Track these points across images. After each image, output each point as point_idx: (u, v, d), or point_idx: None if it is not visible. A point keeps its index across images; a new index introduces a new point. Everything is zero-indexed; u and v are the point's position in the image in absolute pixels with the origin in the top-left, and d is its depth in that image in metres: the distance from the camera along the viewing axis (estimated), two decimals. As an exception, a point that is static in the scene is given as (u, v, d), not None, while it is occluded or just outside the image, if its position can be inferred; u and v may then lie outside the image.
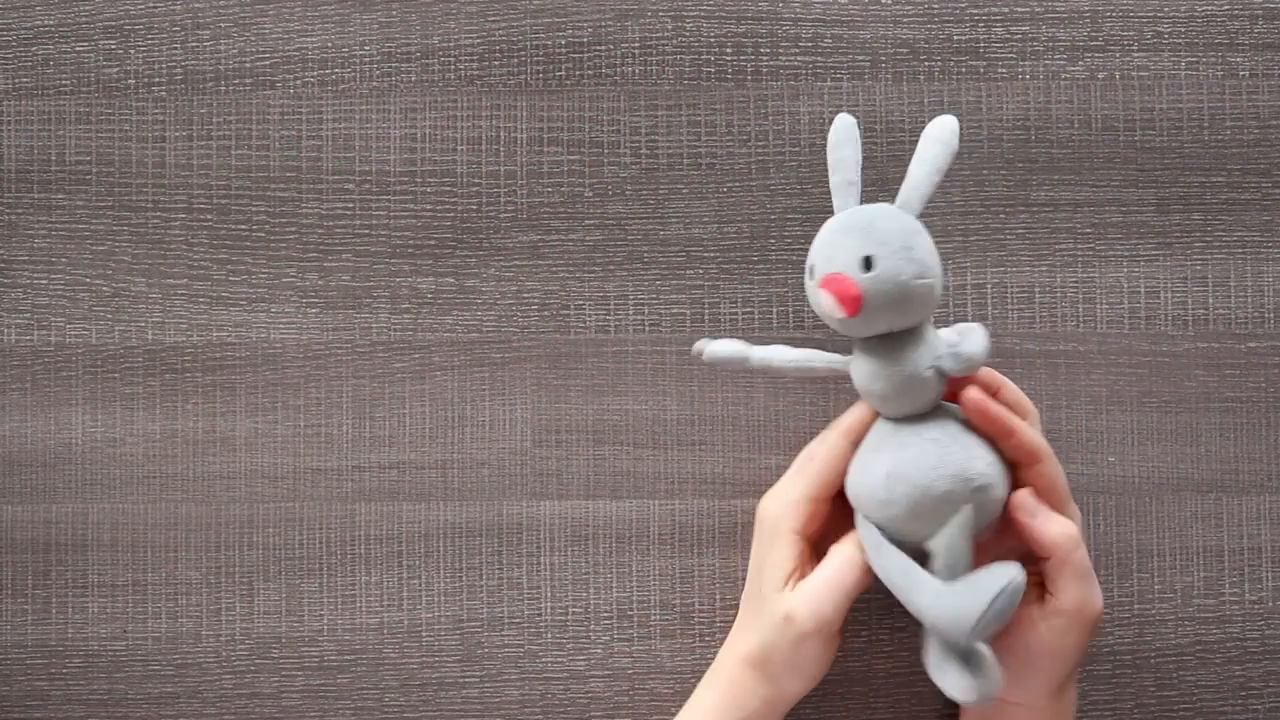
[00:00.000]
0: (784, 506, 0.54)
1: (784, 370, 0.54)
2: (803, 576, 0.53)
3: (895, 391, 0.51)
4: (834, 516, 0.56)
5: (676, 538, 0.61)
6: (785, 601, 0.53)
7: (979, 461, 0.51)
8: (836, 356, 0.54)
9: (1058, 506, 0.53)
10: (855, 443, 0.54)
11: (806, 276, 0.52)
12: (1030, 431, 0.52)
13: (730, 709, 0.54)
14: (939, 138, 0.52)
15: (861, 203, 0.53)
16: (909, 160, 0.58)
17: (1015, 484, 0.53)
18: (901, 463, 0.51)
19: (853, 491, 0.53)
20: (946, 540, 0.50)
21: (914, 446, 0.51)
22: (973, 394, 0.52)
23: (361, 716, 0.60)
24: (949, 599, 0.49)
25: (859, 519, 0.53)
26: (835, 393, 0.60)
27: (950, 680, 0.50)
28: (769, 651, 0.53)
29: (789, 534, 0.54)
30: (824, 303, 0.50)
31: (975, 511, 0.51)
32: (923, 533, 0.51)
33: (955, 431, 0.52)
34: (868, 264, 0.50)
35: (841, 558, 0.53)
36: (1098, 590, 0.52)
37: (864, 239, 0.50)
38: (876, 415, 0.54)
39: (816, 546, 0.55)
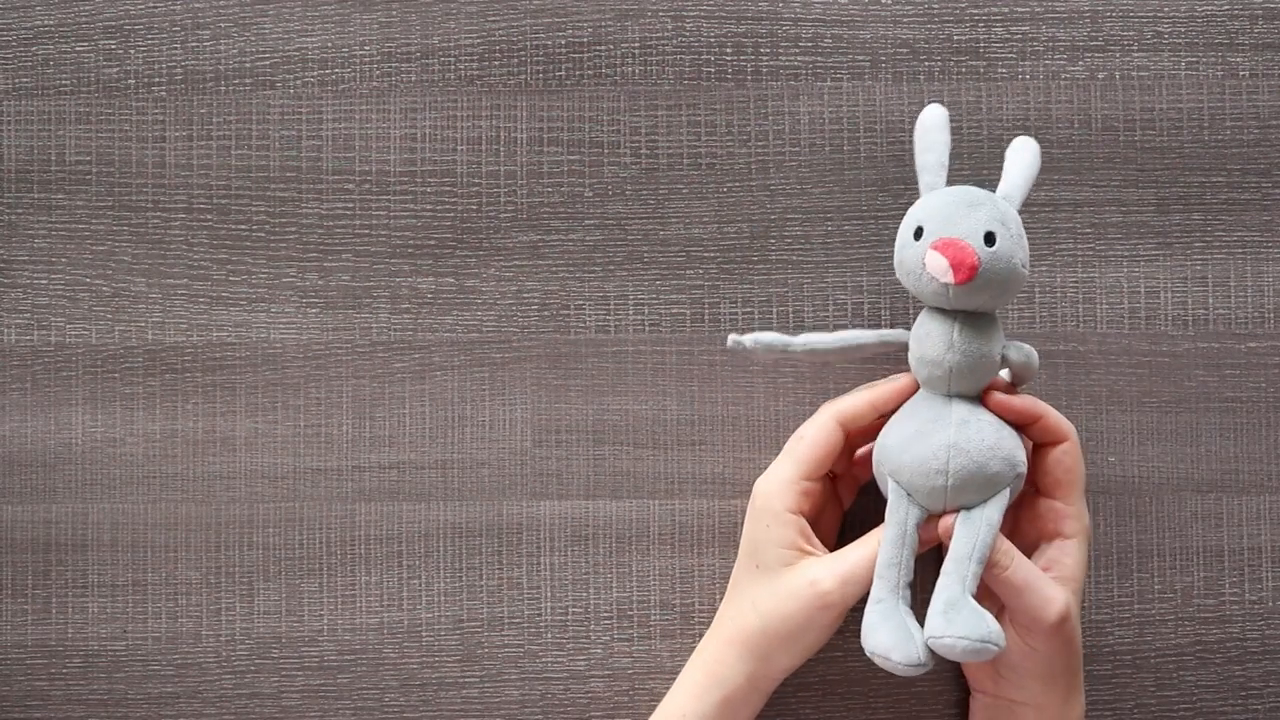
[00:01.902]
0: (776, 486, 0.55)
1: (829, 352, 0.55)
2: (806, 553, 0.54)
3: (965, 367, 0.52)
4: (825, 494, 0.56)
5: (676, 538, 0.61)
6: (808, 570, 0.53)
7: (1021, 451, 0.53)
8: (888, 331, 0.55)
9: (1073, 492, 0.54)
10: (845, 427, 0.55)
11: (907, 236, 0.53)
12: (1055, 413, 0.54)
13: (712, 687, 0.55)
14: (1025, 145, 0.55)
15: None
16: (909, 160, 0.59)
17: (1037, 467, 0.55)
18: (964, 438, 0.52)
19: (893, 457, 0.53)
20: (987, 517, 0.52)
21: (973, 424, 0.52)
22: (996, 396, 0.53)
23: (361, 716, 0.61)
24: (872, 617, 0.51)
25: (891, 485, 0.53)
26: (835, 394, 0.60)
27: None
28: (772, 622, 0.53)
29: (784, 513, 0.54)
30: (935, 265, 0.51)
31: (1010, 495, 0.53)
32: (954, 503, 0.52)
33: (997, 418, 0.53)
34: (990, 239, 0.51)
35: (874, 547, 0.53)
36: (1054, 598, 0.52)
37: (990, 214, 0.52)
38: (876, 406, 0.55)
39: (813, 525, 0.56)
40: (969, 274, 0.50)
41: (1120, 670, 0.60)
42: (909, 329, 0.54)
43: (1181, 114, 0.61)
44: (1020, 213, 0.60)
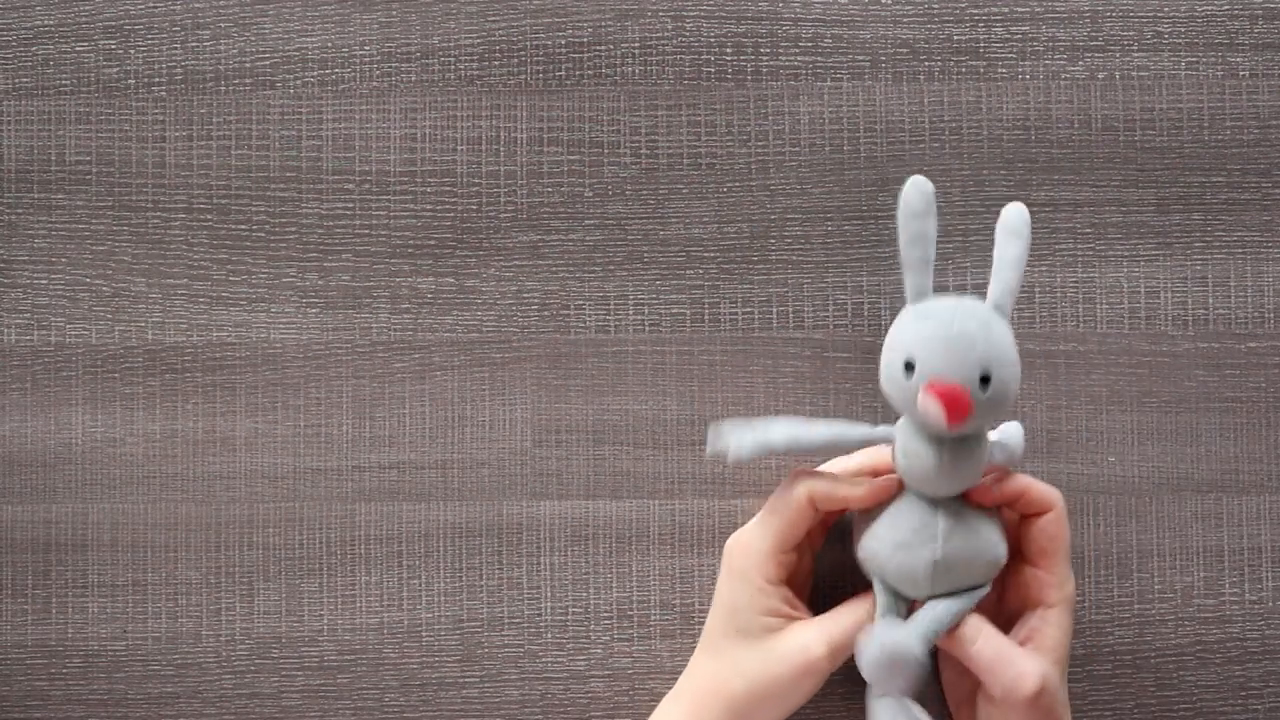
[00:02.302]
0: (755, 559, 0.54)
1: (814, 449, 0.54)
2: (791, 618, 0.55)
3: (948, 475, 0.52)
4: (800, 549, 0.56)
5: (676, 538, 0.61)
6: (798, 636, 0.54)
7: (1002, 546, 0.54)
8: (867, 429, 0.53)
9: (1057, 560, 0.54)
10: (816, 505, 0.54)
11: (897, 369, 0.51)
12: (1038, 486, 0.54)
13: None
14: (1017, 231, 0.52)
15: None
16: (909, 160, 0.58)
17: (1022, 536, 0.54)
18: (949, 553, 0.52)
19: (878, 561, 0.53)
20: (959, 604, 0.53)
21: (958, 536, 0.52)
22: (981, 488, 0.53)
23: (361, 716, 0.61)
24: (881, 713, 0.53)
25: (876, 585, 0.54)
26: (835, 394, 0.60)
27: None
28: (759, 685, 0.54)
29: (766, 586, 0.54)
30: (929, 409, 0.49)
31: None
32: (935, 592, 0.53)
33: (980, 514, 0.53)
34: (985, 381, 0.50)
35: (863, 612, 0.54)
36: (1027, 672, 0.52)
37: (985, 354, 0.50)
38: (853, 504, 0.55)
39: (789, 579, 0.56)
40: (963, 418, 0.49)
41: (1120, 670, 0.60)
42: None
43: (1181, 114, 0.61)
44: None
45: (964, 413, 0.49)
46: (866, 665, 0.51)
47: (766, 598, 0.54)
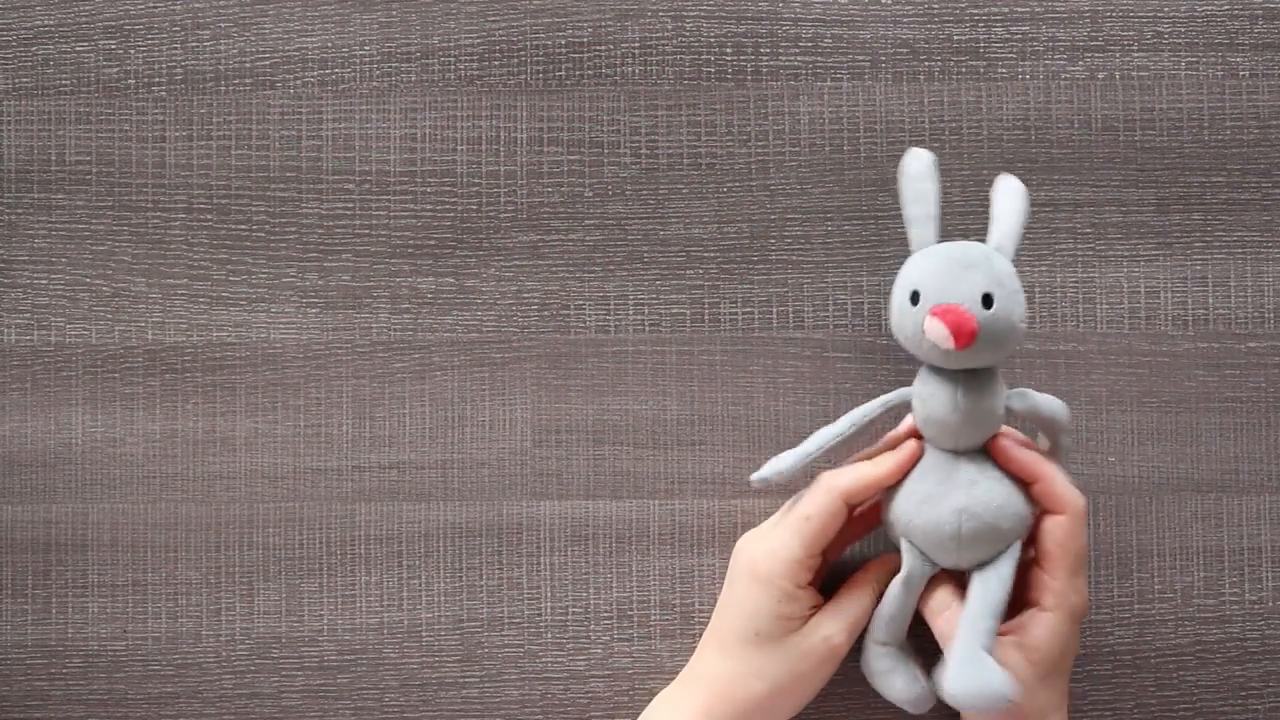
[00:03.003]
0: (781, 565, 0.54)
1: (844, 438, 0.54)
2: (814, 613, 0.55)
3: (970, 424, 0.53)
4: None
5: (676, 538, 0.61)
6: (820, 628, 0.54)
7: (1027, 504, 0.54)
8: (890, 396, 0.54)
9: (1060, 568, 0.53)
10: (851, 504, 0.54)
11: (903, 300, 0.52)
12: (1062, 484, 0.53)
13: None
14: (1013, 190, 0.54)
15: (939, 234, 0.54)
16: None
17: (1034, 531, 0.54)
18: (973, 500, 0.52)
19: (905, 520, 0.54)
20: (999, 573, 0.53)
21: (981, 484, 0.53)
22: (1000, 444, 0.53)
23: (361, 716, 0.61)
24: (882, 663, 0.55)
25: (904, 545, 0.54)
26: (835, 394, 0.60)
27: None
28: (783, 683, 0.54)
29: (793, 589, 0.54)
30: (935, 332, 0.50)
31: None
32: (965, 560, 0.53)
33: (1004, 471, 0.54)
34: (987, 301, 0.51)
35: (870, 589, 0.55)
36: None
37: (986, 276, 0.51)
38: (882, 482, 0.54)
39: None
40: (969, 339, 0.50)
41: (1120, 670, 0.60)
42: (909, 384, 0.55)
43: (1181, 114, 0.61)
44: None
45: (970, 332, 0.50)
46: (958, 701, 0.51)
47: (793, 601, 0.54)
